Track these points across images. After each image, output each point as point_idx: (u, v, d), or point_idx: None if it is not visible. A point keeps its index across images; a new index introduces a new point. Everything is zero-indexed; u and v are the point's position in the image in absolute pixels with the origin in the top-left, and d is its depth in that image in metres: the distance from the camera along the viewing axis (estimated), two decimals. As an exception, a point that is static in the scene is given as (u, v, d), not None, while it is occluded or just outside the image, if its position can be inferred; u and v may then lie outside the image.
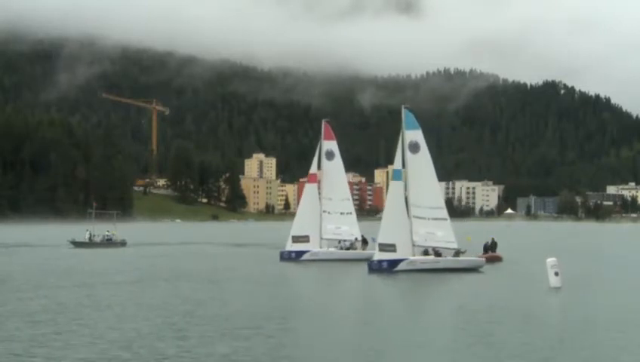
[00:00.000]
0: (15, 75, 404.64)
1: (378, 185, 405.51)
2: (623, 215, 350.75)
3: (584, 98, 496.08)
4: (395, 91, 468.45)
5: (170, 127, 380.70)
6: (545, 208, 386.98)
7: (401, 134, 55.71)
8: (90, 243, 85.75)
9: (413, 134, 55.88)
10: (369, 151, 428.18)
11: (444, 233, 53.78)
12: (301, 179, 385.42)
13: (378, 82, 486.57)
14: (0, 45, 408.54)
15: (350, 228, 66.46)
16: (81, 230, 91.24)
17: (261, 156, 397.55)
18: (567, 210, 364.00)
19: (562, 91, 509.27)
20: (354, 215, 68.25)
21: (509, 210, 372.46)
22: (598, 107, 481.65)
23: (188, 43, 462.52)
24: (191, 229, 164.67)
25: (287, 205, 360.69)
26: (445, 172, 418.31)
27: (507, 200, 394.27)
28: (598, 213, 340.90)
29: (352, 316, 32.67)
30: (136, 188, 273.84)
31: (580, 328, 28.63)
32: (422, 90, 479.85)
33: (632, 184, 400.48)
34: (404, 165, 54.37)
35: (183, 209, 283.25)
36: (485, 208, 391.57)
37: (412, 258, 52.50)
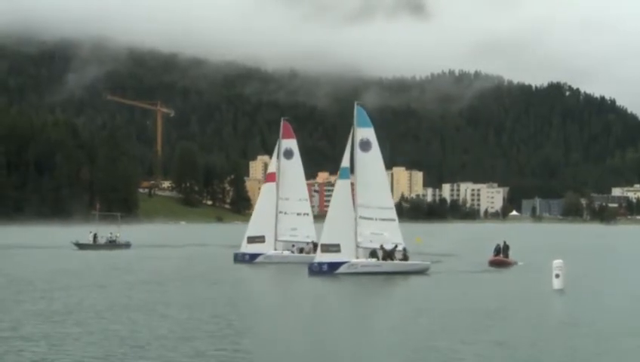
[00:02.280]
0: (20, 76, 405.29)
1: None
2: (629, 217, 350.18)
3: (589, 100, 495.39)
4: (399, 92, 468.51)
5: (174, 129, 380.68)
6: (550, 210, 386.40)
7: (351, 131, 54.27)
8: (94, 245, 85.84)
9: (364, 132, 54.26)
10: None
11: (391, 234, 52.47)
12: (307, 181, 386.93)
13: (383, 83, 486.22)
14: (5, 47, 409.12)
15: (306, 229, 64.93)
16: (86, 232, 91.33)
17: (266, 158, 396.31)
18: (573, 212, 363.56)
19: (567, 93, 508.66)
20: (311, 216, 66.68)
21: (514, 212, 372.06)
22: (603, 109, 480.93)
23: (194, 45, 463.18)
24: (196, 231, 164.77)
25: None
26: (449, 173, 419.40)
27: (512, 202, 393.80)
28: (603, 215, 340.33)
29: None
30: (140, 190, 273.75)
31: (564, 331, 28.70)
32: (427, 92, 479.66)
33: (638, 186, 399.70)
34: (353, 164, 53.10)
35: (188, 211, 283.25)
36: (490, 210, 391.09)
37: (353, 261, 51.06)
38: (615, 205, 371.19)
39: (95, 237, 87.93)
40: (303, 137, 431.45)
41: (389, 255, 52.11)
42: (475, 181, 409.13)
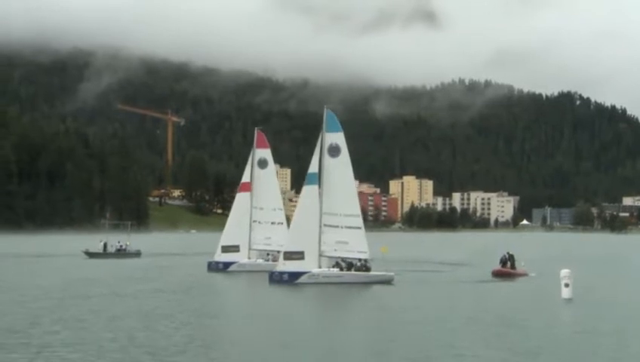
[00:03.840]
0: (32, 86, 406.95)
1: (393, 196, 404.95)
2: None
3: (600, 109, 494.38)
4: (410, 101, 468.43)
5: (185, 138, 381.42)
6: (560, 219, 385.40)
7: (320, 136, 53.33)
8: (105, 254, 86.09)
9: (334, 137, 53.18)
10: (383, 161, 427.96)
11: (356, 242, 51.29)
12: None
13: (393, 92, 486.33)
14: (17, 56, 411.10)
15: (281, 238, 62.47)
16: (96, 240, 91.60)
17: (276, 167, 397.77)
18: (583, 221, 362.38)
19: (578, 102, 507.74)
20: (285, 225, 65.45)
21: (525, 221, 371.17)
22: (614, 118, 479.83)
23: (205, 54, 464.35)
24: (206, 239, 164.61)
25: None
26: (460, 182, 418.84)
27: (522, 211, 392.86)
28: (614, 225, 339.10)
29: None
30: (151, 199, 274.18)
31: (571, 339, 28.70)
32: (437, 100, 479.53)
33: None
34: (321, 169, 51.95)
35: (198, 219, 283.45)
36: (500, 219, 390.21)
37: (314, 271, 50.22)
38: (626, 214, 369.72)
39: (105, 246, 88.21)
40: (312, 146, 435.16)
41: (350, 266, 51.21)
42: (486, 190, 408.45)
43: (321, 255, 50.87)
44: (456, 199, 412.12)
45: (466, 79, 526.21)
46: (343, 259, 51.31)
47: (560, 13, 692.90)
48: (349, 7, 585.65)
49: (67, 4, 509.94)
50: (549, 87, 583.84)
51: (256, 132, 69.81)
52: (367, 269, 51.54)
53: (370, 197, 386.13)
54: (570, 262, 57.49)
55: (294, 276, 49.79)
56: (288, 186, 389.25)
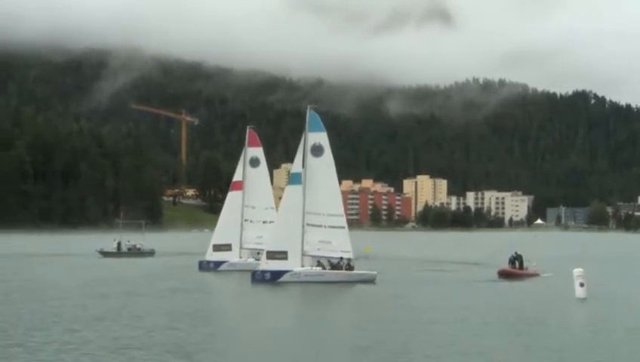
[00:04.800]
0: (46, 86, 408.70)
1: (407, 195, 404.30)
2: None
3: (615, 108, 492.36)
4: (423, 101, 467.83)
5: (199, 138, 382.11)
6: (575, 219, 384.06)
7: (303, 136, 53.08)
8: (118, 253, 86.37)
9: (317, 136, 52.83)
10: (397, 160, 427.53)
11: (339, 242, 51.05)
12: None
13: (407, 92, 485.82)
14: (32, 57, 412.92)
15: None
16: (110, 240, 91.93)
17: (289, 166, 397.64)
18: (598, 221, 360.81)
19: (592, 101, 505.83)
20: None
21: (539, 221, 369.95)
22: (629, 117, 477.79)
23: (220, 54, 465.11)
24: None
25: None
26: (474, 182, 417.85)
27: (537, 210, 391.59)
28: (629, 224, 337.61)
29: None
30: (165, 199, 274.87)
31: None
32: (451, 100, 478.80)
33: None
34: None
35: (212, 218, 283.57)
36: (515, 218, 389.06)
37: (296, 269, 50.07)
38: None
39: (119, 245, 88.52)
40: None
41: (334, 267, 51.09)
42: (500, 189, 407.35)
43: (303, 254, 50.75)
44: (470, 198, 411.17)
45: (480, 78, 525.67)
46: (329, 259, 51.28)
47: (575, 13, 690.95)
48: (365, 7, 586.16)
49: (82, 3, 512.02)
50: (563, 86, 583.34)
51: (248, 130, 69.74)
52: (351, 268, 51.42)
53: (384, 197, 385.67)
54: (585, 262, 57.34)
55: (276, 275, 49.68)
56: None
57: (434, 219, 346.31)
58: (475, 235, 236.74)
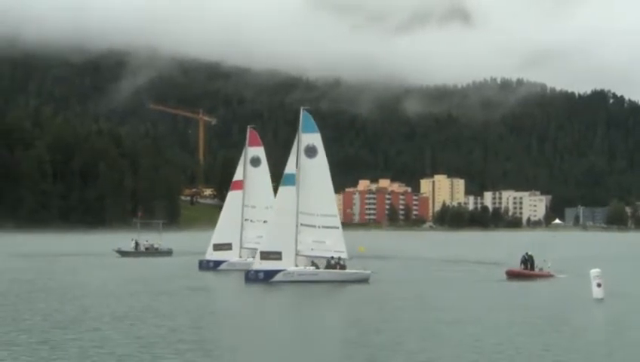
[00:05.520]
0: (65, 86, 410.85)
1: (424, 195, 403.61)
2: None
3: (634, 107, 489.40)
4: (441, 100, 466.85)
5: (216, 137, 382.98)
6: (593, 219, 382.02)
7: (296, 137, 53.29)
8: (136, 253, 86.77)
9: (310, 137, 53.19)
10: (415, 160, 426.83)
11: (333, 242, 51.25)
12: (347, 189, 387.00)
13: (425, 92, 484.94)
14: (51, 57, 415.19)
15: None
16: (128, 239, 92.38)
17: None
18: (617, 221, 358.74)
19: (611, 100, 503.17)
20: None
21: (557, 221, 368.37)
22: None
23: (238, 54, 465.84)
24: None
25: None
26: (491, 181, 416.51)
27: (555, 210, 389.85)
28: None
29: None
30: (183, 198, 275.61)
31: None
32: (469, 99, 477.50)
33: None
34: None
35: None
36: (532, 218, 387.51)
37: (290, 269, 50.22)
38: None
39: (137, 244, 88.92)
40: (344, 145, 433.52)
41: (333, 266, 51.17)
42: (518, 189, 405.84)
43: (297, 254, 50.91)
44: (488, 198, 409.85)
45: (498, 78, 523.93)
46: (328, 259, 51.44)
47: (593, 12, 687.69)
48: (385, 7, 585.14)
49: (103, 4, 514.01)
50: (582, 86, 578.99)
51: (248, 130, 70.04)
52: (343, 267, 51.48)
53: (401, 197, 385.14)
54: (603, 262, 57.04)
55: (270, 274, 49.86)
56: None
57: (451, 219, 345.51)
58: (493, 235, 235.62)
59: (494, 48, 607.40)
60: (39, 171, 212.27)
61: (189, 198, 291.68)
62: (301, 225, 51.10)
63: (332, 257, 51.37)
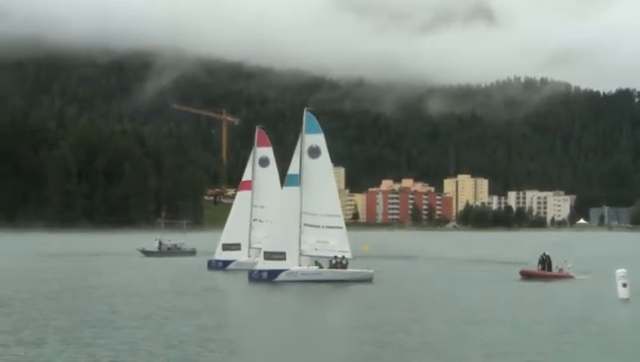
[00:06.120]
0: (89, 86, 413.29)
1: (447, 195, 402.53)
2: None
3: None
4: (465, 100, 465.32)
5: (239, 137, 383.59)
6: (618, 218, 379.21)
7: (300, 138, 53.16)
8: (160, 252, 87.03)
9: (314, 138, 53.08)
10: (438, 160, 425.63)
11: (337, 242, 51.28)
12: (370, 189, 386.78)
13: (448, 91, 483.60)
14: (76, 58, 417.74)
15: None
16: (151, 239, 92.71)
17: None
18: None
19: (636, 99, 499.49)
20: None
21: (582, 221, 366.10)
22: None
23: (262, 54, 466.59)
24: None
25: (355, 215, 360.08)
26: (515, 181, 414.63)
27: (579, 210, 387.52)
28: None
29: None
30: (206, 198, 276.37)
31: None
32: (492, 99, 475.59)
33: None
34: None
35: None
36: (557, 218, 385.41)
37: (293, 268, 50.23)
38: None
39: (160, 244, 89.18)
40: (367, 145, 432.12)
41: (343, 266, 51.11)
42: (542, 189, 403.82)
43: (301, 254, 50.94)
44: (512, 198, 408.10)
45: (521, 77, 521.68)
46: (333, 259, 51.48)
47: (617, 11, 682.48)
48: (409, 7, 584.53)
49: (129, 5, 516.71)
50: (606, 85, 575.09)
51: (257, 130, 70.25)
52: (344, 266, 51.44)
53: (424, 196, 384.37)
54: (629, 262, 56.54)
55: (273, 274, 49.93)
56: (342, 185, 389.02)
57: (475, 218, 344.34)
58: (518, 235, 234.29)
59: (518, 47, 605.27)
60: (64, 171, 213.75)
61: (212, 198, 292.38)
62: (305, 225, 51.24)
63: (335, 256, 51.40)
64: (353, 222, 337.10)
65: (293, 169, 52.41)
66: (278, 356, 25.43)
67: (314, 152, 52.74)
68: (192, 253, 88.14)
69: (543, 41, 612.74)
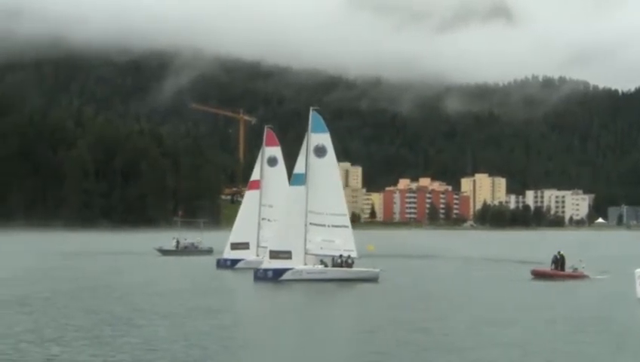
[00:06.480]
0: (107, 86, 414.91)
1: (465, 194, 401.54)
2: None
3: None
4: (482, 98, 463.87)
5: (256, 137, 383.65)
6: (637, 218, 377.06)
7: (306, 137, 53.35)
8: (177, 251, 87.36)
9: (319, 138, 53.22)
10: (456, 159, 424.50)
11: (343, 241, 51.24)
12: (388, 188, 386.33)
13: (465, 90, 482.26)
14: (93, 58, 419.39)
15: None
16: (168, 238, 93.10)
17: (347, 165, 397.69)
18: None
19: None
20: None
21: (600, 220, 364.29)
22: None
23: (279, 53, 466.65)
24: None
25: (373, 214, 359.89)
26: (533, 180, 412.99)
27: (598, 209, 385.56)
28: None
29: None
30: (223, 197, 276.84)
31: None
32: (510, 97, 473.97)
33: None
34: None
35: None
36: (575, 218, 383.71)
37: (298, 267, 50.27)
38: None
39: (178, 243, 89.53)
40: (384, 144, 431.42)
41: (349, 264, 51.12)
42: (560, 188, 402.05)
43: (306, 253, 51.00)
44: (530, 197, 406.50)
45: (540, 76, 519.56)
46: (338, 257, 51.50)
47: (637, 9, 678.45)
48: (426, 6, 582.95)
49: (145, 4, 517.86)
50: (625, 84, 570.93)
51: (265, 130, 70.32)
52: (349, 266, 51.42)
53: (441, 195, 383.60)
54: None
55: (278, 273, 50.03)
56: (359, 184, 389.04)
57: (492, 218, 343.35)
58: (537, 234, 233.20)
59: (536, 46, 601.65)
60: (82, 171, 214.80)
61: (229, 197, 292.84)
62: (310, 224, 51.32)
63: (340, 256, 51.41)
64: (370, 221, 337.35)
65: (298, 168, 52.63)
66: (298, 357, 25.53)
67: (320, 151, 52.85)
68: (209, 251, 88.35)
69: (561, 40, 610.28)
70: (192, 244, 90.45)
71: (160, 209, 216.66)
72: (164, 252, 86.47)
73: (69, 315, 33.31)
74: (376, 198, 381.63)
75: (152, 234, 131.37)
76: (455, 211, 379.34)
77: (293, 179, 53.15)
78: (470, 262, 78.63)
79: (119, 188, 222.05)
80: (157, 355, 24.26)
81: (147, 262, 73.15)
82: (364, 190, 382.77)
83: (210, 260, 76.57)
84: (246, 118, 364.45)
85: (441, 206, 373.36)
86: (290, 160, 68.45)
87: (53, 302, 38.84)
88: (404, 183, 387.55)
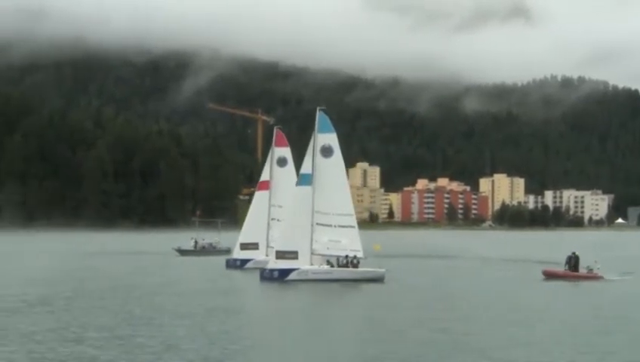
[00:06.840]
0: (126, 87, 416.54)
1: (483, 194, 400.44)
2: None
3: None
4: (501, 98, 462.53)
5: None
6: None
7: (312, 137, 53.42)
8: (196, 251, 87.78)
9: (326, 138, 53.26)
10: (474, 159, 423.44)
11: (349, 241, 51.17)
12: (406, 188, 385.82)
13: (484, 90, 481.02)
14: (112, 58, 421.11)
15: None
16: (187, 238, 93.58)
17: (365, 165, 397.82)
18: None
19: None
20: None
21: (620, 220, 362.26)
22: None
23: (297, 53, 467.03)
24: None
25: (391, 214, 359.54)
26: (552, 180, 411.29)
27: (617, 209, 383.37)
28: None
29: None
30: (241, 197, 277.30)
31: None
32: (529, 97, 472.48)
33: None
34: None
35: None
36: (594, 218, 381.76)
37: (304, 267, 50.31)
38: None
39: (196, 243, 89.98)
40: (402, 144, 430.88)
41: (355, 265, 51.15)
42: (579, 188, 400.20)
43: (313, 253, 51.07)
44: (549, 197, 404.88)
45: (559, 75, 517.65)
46: (343, 258, 51.62)
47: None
48: (447, 6, 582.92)
49: (164, 5, 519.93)
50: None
51: (275, 131, 70.83)
52: (355, 266, 51.45)
53: (460, 196, 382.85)
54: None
55: (284, 273, 50.14)
56: (377, 185, 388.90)
57: (511, 218, 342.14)
58: (556, 235, 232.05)
59: (555, 46, 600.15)
60: (101, 171, 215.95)
61: (247, 198, 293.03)
62: (317, 224, 51.36)
63: (346, 256, 51.51)
64: (388, 221, 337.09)
65: (305, 168, 52.67)
66: (315, 357, 25.74)
67: (326, 151, 52.91)
68: (227, 251, 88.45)
69: (580, 40, 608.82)
70: (210, 244, 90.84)
71: (179, 209, 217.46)
72: (183, 252, 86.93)
73: (91, 315, 33.70)
74: (395, 198, 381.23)
75: (171, 235, 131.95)
76: (473, 211, 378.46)
77: (300, 179, 53.27)
78: (488, 262, 78.52)
79: (138, 188, 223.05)
80: (177, 354, 24.51)
81: (166, 263, 73.59)
82: (382, 190, 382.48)
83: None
84: (264, 118, 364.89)
85: (460, 206, 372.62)
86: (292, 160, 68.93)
87: (74, 301, 39.26)
88: (422, 183, 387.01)
